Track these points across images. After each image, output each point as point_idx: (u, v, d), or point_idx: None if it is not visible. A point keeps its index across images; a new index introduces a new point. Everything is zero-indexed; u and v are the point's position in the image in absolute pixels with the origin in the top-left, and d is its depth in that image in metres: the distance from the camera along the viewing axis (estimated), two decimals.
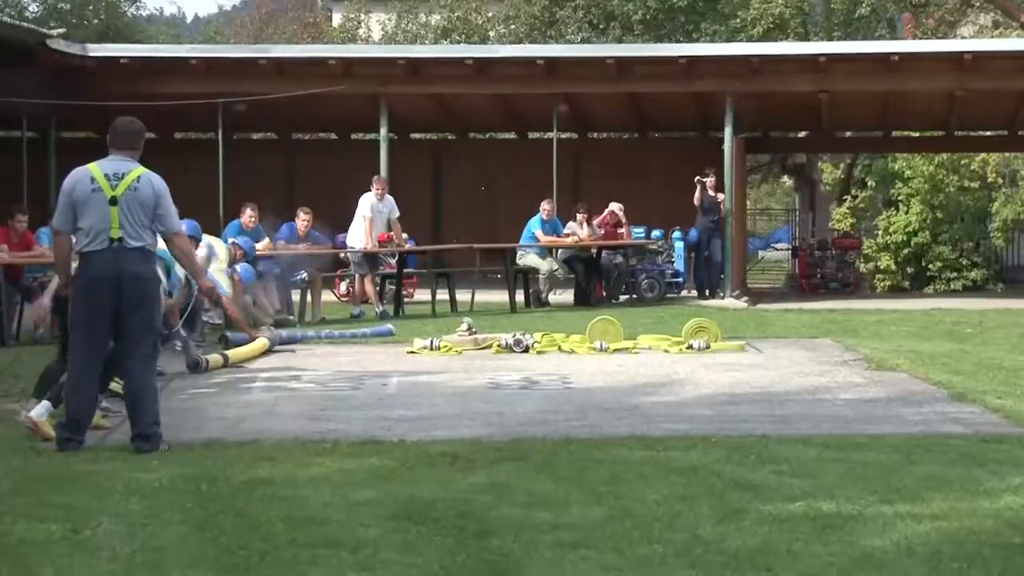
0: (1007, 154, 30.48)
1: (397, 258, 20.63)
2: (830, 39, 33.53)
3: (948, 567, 6.02)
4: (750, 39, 32.66)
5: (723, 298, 22.91)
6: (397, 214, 20.31)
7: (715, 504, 7.22)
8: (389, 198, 20.34)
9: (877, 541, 6.45)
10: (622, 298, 22.83)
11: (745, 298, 23.07)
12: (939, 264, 29.47)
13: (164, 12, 70.31)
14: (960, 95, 24.42)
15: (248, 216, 18.89)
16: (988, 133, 29.86)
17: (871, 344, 15.35)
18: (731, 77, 23.62)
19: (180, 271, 12.03)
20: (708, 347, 14.69)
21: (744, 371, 12.99)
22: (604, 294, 22.71)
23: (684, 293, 23.98)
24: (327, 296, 20.45)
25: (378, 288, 20.47)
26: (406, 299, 20.78)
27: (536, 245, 21.85)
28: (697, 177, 23.63)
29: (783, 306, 21.83)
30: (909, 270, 29.56)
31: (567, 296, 22.27)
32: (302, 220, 19.49)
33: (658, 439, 9.20)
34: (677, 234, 24.62)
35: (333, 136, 31.60)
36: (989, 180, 29.86)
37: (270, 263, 18.74)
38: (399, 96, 24.64)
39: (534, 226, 22.11)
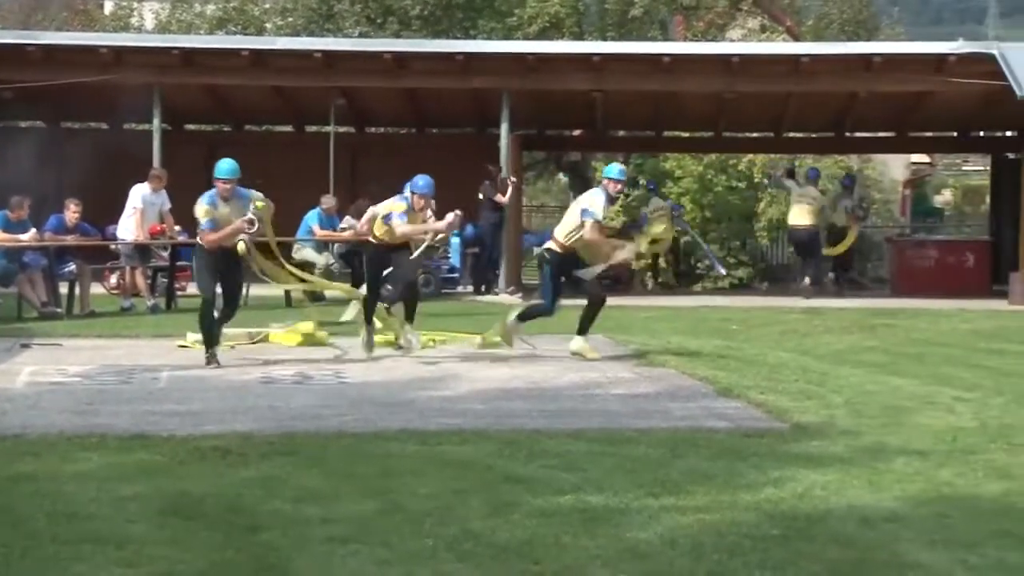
0: (773, 155, 31.29)
1: (169, 251, 20.33)
2: (604, 39, 34.02)
3: (709, 558, 6.18)
4: (526, 37, 32.95)
5: (498, 294, 23.10)
6: (169, 206, 20.02)
7: (486, 498, 7.29)
8: (162, 190, 20.05)
9: (642, 533, 6.58)
10: None
11: (519, 294, 23.28)
12: (707, 262, 30.12)
13: None
14: (729, 97, 25.03)
15: (22, 209, 18.38)
16: (755, 135, 30.63)
17: (641, 340, 15.64)
18: (507, 74, 23.83)
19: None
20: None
21: (517, 366, 13.13)
22: None
23: (459, 289, 24.11)
24: (96, 289, 20.02)
25: (149, 281, 20.14)
26: (178, 292, 20.46)
27: (312, 239, 21.74)
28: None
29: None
30: (679, 268, 30.14)
31: None
32: (72, 211, 19.05)
33: (431, 433, 9.25)
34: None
35: (105, 126, 30.93)
36: (755, 180, 30.62)
37: (37, 255, 18.29)
38: (173, 86, 24.28)
39: (311, 220, 22.00)
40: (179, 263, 20.68)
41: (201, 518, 6.79)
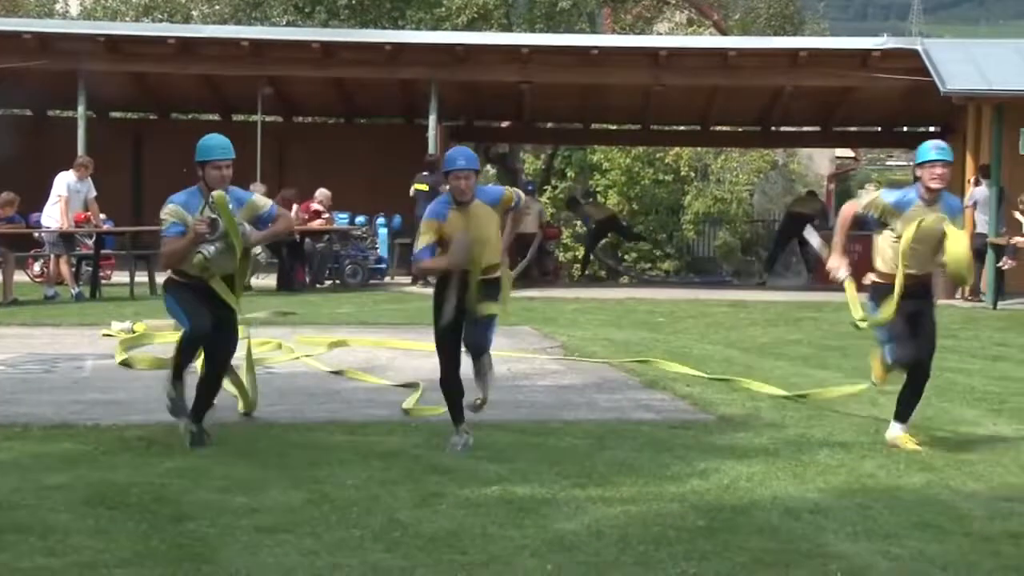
0: (699, 148, 31.47)
1: (94, 239, 20.16)
2: (533, 31, 34.04)
3: (635, 549, 6.22)
4: (455, 28, 32.92)
5: (427, 285, 23.09)
6: (94, 194, 19.83)
7: (413, 488, 7.30)
8: (87, 178, 19.87)
9: (569, 524, 6.62)
10: (326, 283, 22.79)
11: None
12: (634, 255, 30.28)
13: None
14: (656, 90, 25.15)
15: None
16: (682, 128, 30.78)
17: (568, 332, 15.69)
18: (436, 65, 23.80)
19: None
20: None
21: None
22: (307, 279, 22.64)
23: (387, 279, 24.07)
24: (20, 276, 19.82)
25: (74, 269, 19.97)
26: (103, 281, 20.31)
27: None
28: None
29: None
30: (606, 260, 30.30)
31: (270, 280, 22.09)
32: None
33: (359, 424, 9.26)
34: (381, 220, 24.71)
35: (29, 113, 30.61)
36: (682, 174, 30.81)
37: None
38: (98, 74, 24.04)
39: None
40: (104, 251, 20.54)
41: (126, 508, 6.76)
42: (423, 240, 8.71)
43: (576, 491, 7.32)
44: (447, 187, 9.07)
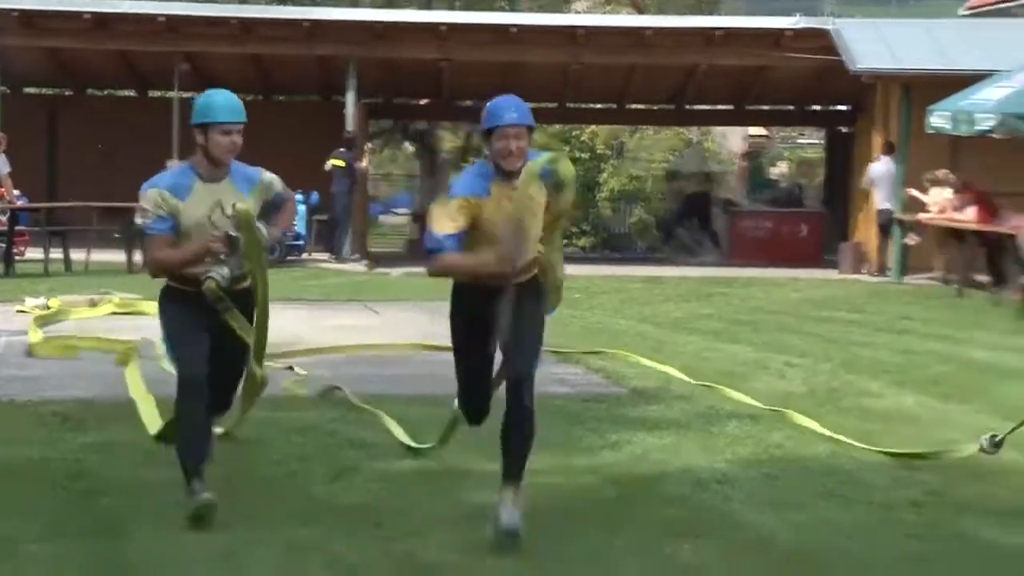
0: (615, 126, 31.60)
1: (8, 215, 19.99)
2: (451, 9, 34.07)
3: (548, 520, 6.34)
4: (374, 5, 32.87)
5: (343, 261, 23.12)
6: (8, 170, 19.66)
7: (329, 463, 7.38)
8: (0, 154, 19.69)
9: (483, 497, 6.70)
10: None
11: (365, 261, 23.31)
12: None
13: None
14: (574, 68, 25.26)
15: None
16: (598, 106, 30.90)
17: None
18: (354, 43, 23.77)
19: None
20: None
21: (362, 333, 13.17)
22: None
23: (305, 256, 24.05)
24: None
25: None
26: (17, 257, 20.14)
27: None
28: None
29: (403, 270, 22.11)
30: None
31: None
32: None
33: (275, 399, 9.27)
34: (299, 197, 24.66)
35: None
36: (598, 151, 30.95)
37: None
38: (12, 49, 23.80)
39: None
40: (18, 227, 20.35)
41: (41, 484, 6.78)
42: (449, 224, 6.14)
43: (490, 464, 7.39)
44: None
